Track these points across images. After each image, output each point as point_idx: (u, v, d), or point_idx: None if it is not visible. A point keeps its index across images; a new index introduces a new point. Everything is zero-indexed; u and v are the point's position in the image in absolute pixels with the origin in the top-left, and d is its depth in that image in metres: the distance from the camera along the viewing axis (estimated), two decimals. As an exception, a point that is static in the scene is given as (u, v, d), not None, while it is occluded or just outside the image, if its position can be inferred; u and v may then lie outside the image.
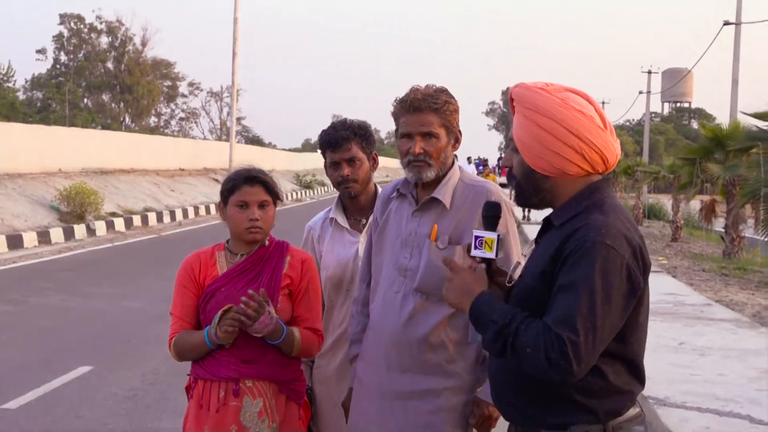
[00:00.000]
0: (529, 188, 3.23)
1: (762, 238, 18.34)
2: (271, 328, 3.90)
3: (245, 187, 4.04)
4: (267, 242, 4.15)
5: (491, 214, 3.26)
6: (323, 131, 4.55)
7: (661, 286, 15.49)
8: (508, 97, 3.28)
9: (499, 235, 3.21)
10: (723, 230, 24.95)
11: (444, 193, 3.91)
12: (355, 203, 4.55)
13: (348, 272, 4.46)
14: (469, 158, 47.33)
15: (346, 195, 4.52)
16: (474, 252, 3.21)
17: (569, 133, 3.10)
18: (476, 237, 3.21)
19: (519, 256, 3.71)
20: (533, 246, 3.31)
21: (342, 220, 4.57)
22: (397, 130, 3.97)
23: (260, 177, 4.09)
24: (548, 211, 3.28)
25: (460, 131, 3.98)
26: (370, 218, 4.35)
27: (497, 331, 2.97)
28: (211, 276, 4.11)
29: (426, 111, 3.83)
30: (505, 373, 3.21)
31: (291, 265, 4.13)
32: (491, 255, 3.19)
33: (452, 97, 3.93)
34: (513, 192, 3.41)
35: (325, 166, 4.57)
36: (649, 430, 3.36)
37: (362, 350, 4.06)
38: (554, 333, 2.86)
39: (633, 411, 3.18)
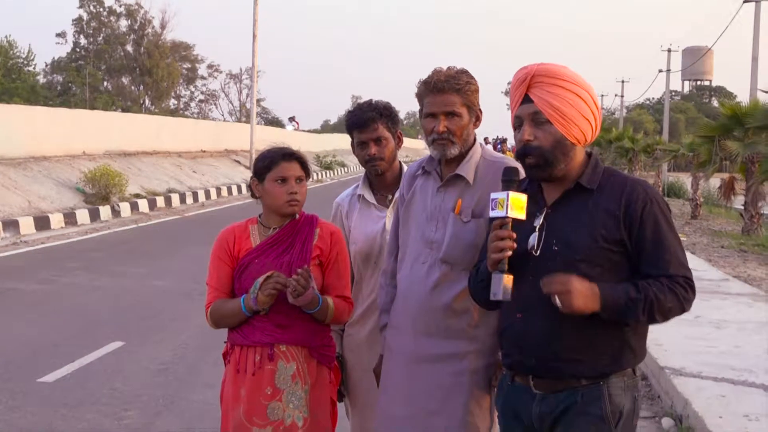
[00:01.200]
0: (558, 157, 3.49)
1: (781, 214, 18.47)
2: (310, 299, 4.15)
3: (283, 163, 4.29)
4: (297, 216, 4.38)
5: (507, 178, 3.46)
6: (349, 112, 4.76)
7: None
8: (530, 75, 3.50)
9: (508, 194, 3.39)
10: (742, 207, 25.06)
11: (467, 169, 4.13)
12: (382, 180, 4.77)
13: (376, 246, 4.68)
14: (485, 139, 46.53)
15: (374, 173, 4.73)
16: (492, 213, 3.41)
17: (594, 102, 3.51)
18: (492, 199, 3.41)
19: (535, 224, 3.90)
20: (546, 211, 3.55)
21: (369, 197, 4.79)
22: (421, 110, 4.18)
23: (296, 154, 4.36)
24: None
25: (480, 110, 4.19)
26: (396, 194, 4.59)
27: (643, 306, 3.35)
28: (245, 248, 4.35)
29: (449, 92, 4.04)
30: (562, 332, 3.44)
31: (320, 236, 4.37)
32: (503, 214, 3.37)
33: (473, 78, 4.15)
34: (531, 167, 3.66)
35: (352, 145, 4.78)
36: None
37: (391, 318, 4.29)
38: (680, 278, 3.37)
39: None
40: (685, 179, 38.58)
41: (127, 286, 14.03)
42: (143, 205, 27.52)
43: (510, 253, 3.36)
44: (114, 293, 13.43)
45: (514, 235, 3.38)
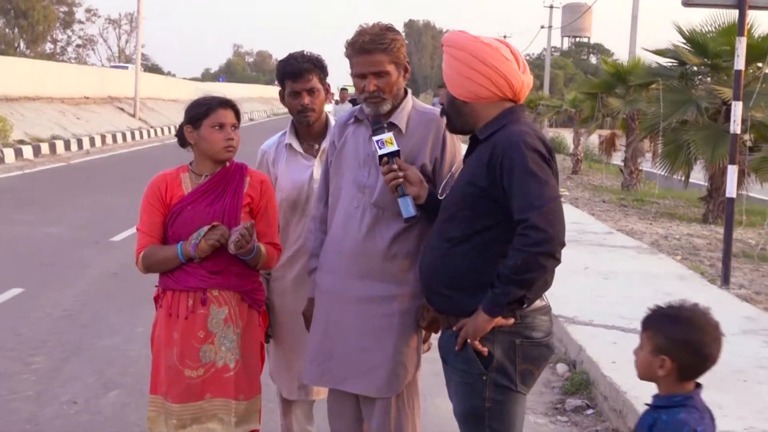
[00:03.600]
0: (453, 113, 3.90)
1: (659, 171, 19.06)
2: (250, 249, 4.33)
3: (220, 110, 4.41)
4: (228, 164, 4.52)
5: (376, 128, 4.20)
6: (282, 62, 4.87)
7: (565, 215, 16.01)
8: (441, 44, 3.94)
9: (392, 133, 4.13)
10: (622, 163, 25.78)
11: (400, 119, 4.32)
12: (309, 130, 4.92)
13: (303, 194, 4.85)
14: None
15: (305, 123, 4.86)
16: (380, 152, 4.09)
17: (476, 59, 3.75)
18: (377, 141, 4.15)
19: (451, 171, 4.30)
20: (461, 165, 4.01)
21: (296, 146, 4.93)
22: (351, 68, 4.35)
23: (231, 102, 4.49)
24: None
25: (408, 62, 4.39)
26: (326, 143, 4.78)
27: (507, 289, 3.60)
28: (177, 195, 4.47)
29: (375, 52, 4.21)
30: (437, 267, 3.85)
31: (251, 185, 4.52)
32: (395, 148, 4.11)
33: (398, 33, 4.33)
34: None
35: (282, 94, 4.91)
36: (553, 321, 3.96)
37: (323, 261, 4.46)
38: (520, 225, 3.54)
39: (539, 303, 3.82)
40: (566, 134, 39.28)
41: (20, 233, 13.86)
42: (27, 151, 26.89)
43: (402, 179, 4.07)
44: (7, 240, 13.28)
45: (395, 166, 4.08)
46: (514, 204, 3.58)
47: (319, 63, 4.84)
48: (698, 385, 3.27)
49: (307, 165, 4.90)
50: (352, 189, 4.37)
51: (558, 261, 3.59)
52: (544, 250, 3.52)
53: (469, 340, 3.71)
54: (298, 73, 4.78)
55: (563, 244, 3.58)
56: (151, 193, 4.50)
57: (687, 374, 3.24)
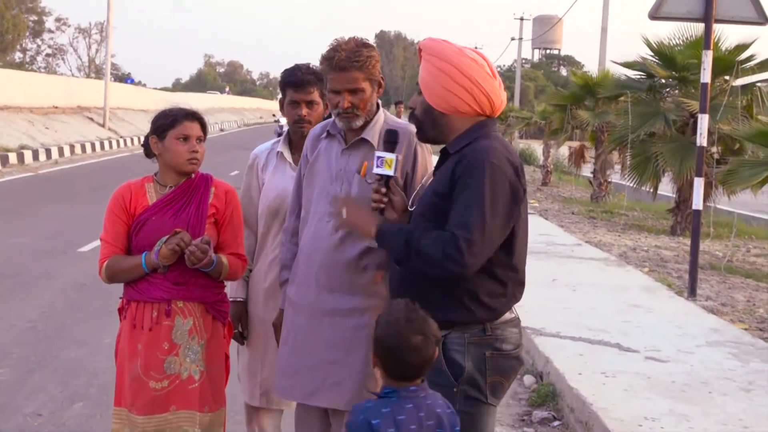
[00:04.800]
0: (428, 123, 3.87)
1: (628, 183, 19.14)
2: (206, 263, 4.32)
3: (186, 122, 4.40)
4: (193, 175, 4.50)
5: (390, 140, 4.00)
6: (287, 71, 4.93)
7: (534, 227, 15.92)
8: (418, 49, 3.89)
9: (397, 156, 3.95)
10: (591, 175, 25.89)
11: (372, 134, 4.32)
12: (303, 141, 4.93)
13: (286, 203, 4.84)
14: None
15: (299, 134, 4.88)
16: (375, 170, 3.93)
17: (462, 74, 3.74)
18: (378, 157, 3.93)
19: (422, 183, 4.29)
20: (431, 177, 4.01)
21: (287, 155, 4.95)
22: (325, 83, 4.36)
23: (198, 114, 4.48)
24: None
25: (382, 78, 4.40)
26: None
27: (405, 239, 3.65)
28: (141, 206, 4.45)
29: (351, 69, 4.20)
30: (405, 279, 3.85)
31: (216, 195, 4.51)
32: (390, 172, 3.92)
33: (373, 49, 4.33)
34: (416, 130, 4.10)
35: (282, 102, 4.96)
36: (522, 333, 3.97)
37: (294, 274, 4.45)
38: (450, 233, 3.56)
39: (509, 315, 3.83)
40: (537, 146, 39.45)
41: (-14, 243, 13.75)
42: (-5, 161, 26.81)
43: (385, 206, 3.92)
44: (-27, 250, 13.15)
45: (384, 190, 3.94)
46: (453, 215, 3.60)
47: (322, 77, 4.85)
48: (419, 382, 3.39)
49: (293, 175, 4.89)
50: (323, 202, 4.36)
51: (456, 280, 3.66)
52: (452, 269, 3.57)
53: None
54: (300, 83, 4.83)
55: (470, 275, 3.61)
56: (116, 203, 4.48)
57: (390, 373, 3.37)
